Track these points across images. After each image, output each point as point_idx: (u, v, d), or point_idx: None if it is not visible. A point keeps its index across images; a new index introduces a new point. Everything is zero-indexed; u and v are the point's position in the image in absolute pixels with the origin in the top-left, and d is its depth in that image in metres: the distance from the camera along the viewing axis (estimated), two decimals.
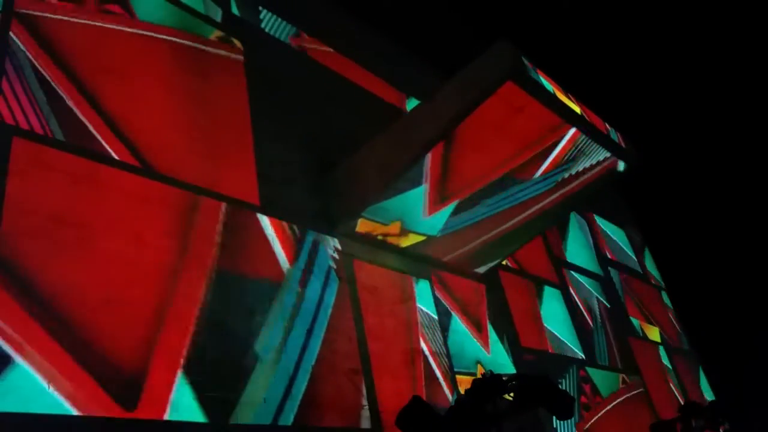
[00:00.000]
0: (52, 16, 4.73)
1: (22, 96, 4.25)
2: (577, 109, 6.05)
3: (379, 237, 6.54)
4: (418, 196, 6.27)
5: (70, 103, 4.53)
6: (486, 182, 6.43)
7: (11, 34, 4.36)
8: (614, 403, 9.37)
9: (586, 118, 6.15)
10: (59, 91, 4.50)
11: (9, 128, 4.07)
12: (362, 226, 6.30)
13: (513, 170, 6.43)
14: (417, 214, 6.50)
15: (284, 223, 5.69)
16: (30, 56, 4.43)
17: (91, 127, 4.58)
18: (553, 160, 6.46)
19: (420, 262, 7.13)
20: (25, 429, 3.40)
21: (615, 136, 6.71)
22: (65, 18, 4.79)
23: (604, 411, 8.97)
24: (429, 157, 5.80)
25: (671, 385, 11.53)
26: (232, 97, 5.99)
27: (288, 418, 4.81)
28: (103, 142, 4.61)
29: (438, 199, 6.39)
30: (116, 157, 4.62)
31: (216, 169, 5.37)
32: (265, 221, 5.52)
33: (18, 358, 3.51)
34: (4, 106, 4.11)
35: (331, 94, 7.30)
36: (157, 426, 3.97)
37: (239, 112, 5.97)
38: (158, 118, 5.16)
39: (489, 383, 3.63)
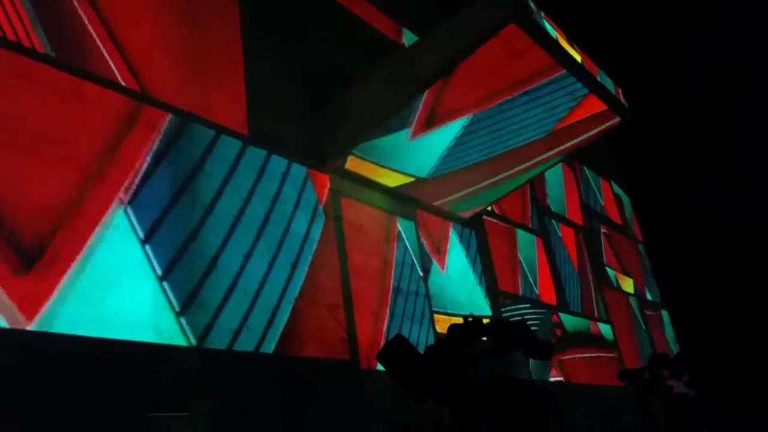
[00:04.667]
0: None
1: (8, 7, 4.04)
2: (578, 58, 5.94)
3: (368, 175, 6.50)
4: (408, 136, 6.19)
5: (58, 17, 4.32)
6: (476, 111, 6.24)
7: None
8: (583, 347, 9.73)
9: (586, 68, 6.05)
10: (47, 4, 4.28)
11: None
12: (352, 163, 6.24)
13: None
14: (407, 154, 6.45)
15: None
16: None
17: (79, 44, 4.40)
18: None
19: (407, 203, 7.14)
20: None
21: (612, 88, 6.64)
22: None
23: (572, 352, 9.33)
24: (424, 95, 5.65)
25: (639, 334, 11.96)
26: (224, 22, 5.76)
27: (269, 347, 4.92)
28: (92, 60, 4.43)
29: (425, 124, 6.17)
30: (104, 76, 4.46)
31: (205, 95, 5.23)
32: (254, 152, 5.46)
33: None
34: None
35: (327, 22, 7.05)
36: (139, 347, 4.03)
37: (231, 38, 5.76)
38: (148, 39, 4.97)
39: (469, 326, 3.70)
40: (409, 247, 6.92)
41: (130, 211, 4.31)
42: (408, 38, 8.34)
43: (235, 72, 5.63)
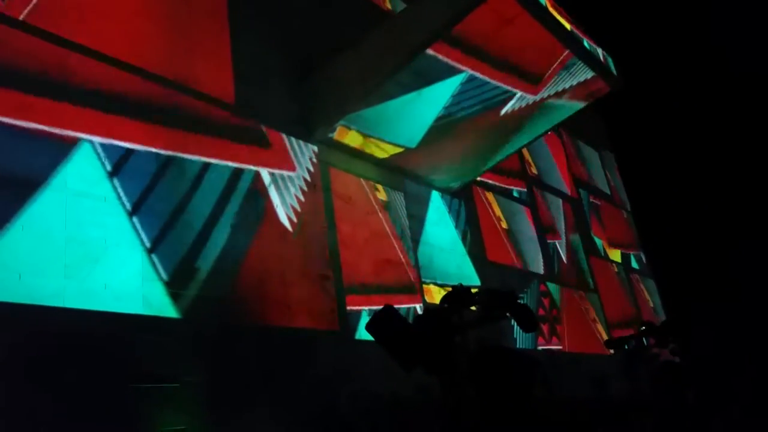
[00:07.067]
0: None
1: None
2: (567, 26, 5.87)
3: (357, 146, 6.45)
4: (402, 104, 6.10)
5: None
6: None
7: None
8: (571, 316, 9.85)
9: (577, 35, 5.99)
10: None
11: None
12: (340, 133, 6.18)
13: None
14: (396, 124, 6.39)
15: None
16: None
17: (60, 12, 4.28)
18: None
19: (396, 174, 7.11)
20: None
21: (601, 56, 6.58)
22: None
23: (560, 321, 9.44)
24: None
25: (626, 303, 12.11)
26: None
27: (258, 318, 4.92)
28: (74, 29, 4.32)
29: None
30: (86, 45, 4.36)
31: (190, 64, 5.13)
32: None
33: None
34: None
35: None
36: (129, 319, 4.03)
37: (217, 5, 5.63)
38: (132, 6, 4.84)
39: (457, 295, 3.72)
40: (398, 217, 6.92)
41: (116, 182, 4.27)
42: (395, 4, 8.20)
43: (221, 40, 5.52)
